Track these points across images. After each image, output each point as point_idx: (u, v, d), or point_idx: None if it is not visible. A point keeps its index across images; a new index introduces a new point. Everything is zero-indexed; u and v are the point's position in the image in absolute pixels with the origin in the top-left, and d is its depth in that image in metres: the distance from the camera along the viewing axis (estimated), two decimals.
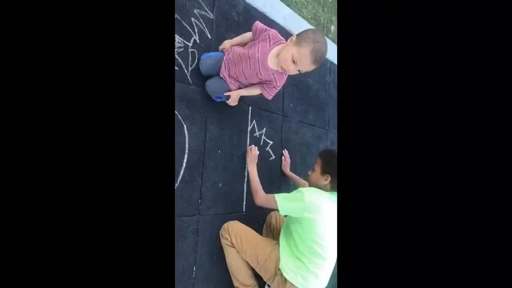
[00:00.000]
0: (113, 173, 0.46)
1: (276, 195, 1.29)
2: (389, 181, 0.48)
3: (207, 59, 1.38)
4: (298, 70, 1.16)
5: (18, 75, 0.40)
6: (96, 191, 0.46)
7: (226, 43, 1.39)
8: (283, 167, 1.87)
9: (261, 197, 1.39)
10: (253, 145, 1.64)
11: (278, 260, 1.26)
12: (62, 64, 0.43)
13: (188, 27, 1.39)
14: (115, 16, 0.46)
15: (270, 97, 1.36)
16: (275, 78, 1.26)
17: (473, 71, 0.44)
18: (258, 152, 1.62)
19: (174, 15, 1.30)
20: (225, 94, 1.38)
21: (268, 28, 1.22)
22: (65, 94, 0.43)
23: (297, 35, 1.13)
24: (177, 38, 1.34)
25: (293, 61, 1.11)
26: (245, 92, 1.39)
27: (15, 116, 0.40)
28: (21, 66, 0.40)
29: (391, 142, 0.48)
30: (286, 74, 1.26)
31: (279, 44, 1.20)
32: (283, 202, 1.26)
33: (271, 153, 1.82)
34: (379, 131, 0.49)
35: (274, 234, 1.60)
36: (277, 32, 1.23)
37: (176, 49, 1.33)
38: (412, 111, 0.48)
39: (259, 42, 1.22)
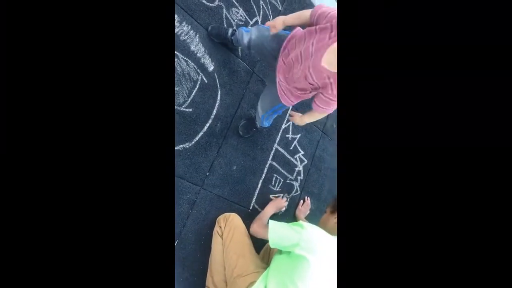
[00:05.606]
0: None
1: (271, 221, 1.11)
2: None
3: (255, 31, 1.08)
4: None
5: (15, 72, 0.41)
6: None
7: (279, 20, 0.97)
8: (297, 211, 1.62)
9: (259, 226, 1.26)
10: (285, 197, 1.52)
11: (251, 284, 1.03)
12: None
13: (255, 7, 1.42)
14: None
15: (320, 111, 0.98)
16: (330, 84, 0.86)
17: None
18: (285, 208, 1.50)
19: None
20: (290, 114, 1.16)
21: (333, 11, 0.84)
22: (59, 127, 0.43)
23: None
24: (241, 11, 1.38)
25: None
26: (309, 118, 1.08)
27: (10, 114, 0.41)
28: (18, 62, 0.41)
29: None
30: None
31: None
32: (277, 228, 1.07)
33: (297, 186, 1.65)
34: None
35: (269, 257, 1.32)
36: None
37: (236, 21, 1.36)
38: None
39: (316, 32, 0.85)
